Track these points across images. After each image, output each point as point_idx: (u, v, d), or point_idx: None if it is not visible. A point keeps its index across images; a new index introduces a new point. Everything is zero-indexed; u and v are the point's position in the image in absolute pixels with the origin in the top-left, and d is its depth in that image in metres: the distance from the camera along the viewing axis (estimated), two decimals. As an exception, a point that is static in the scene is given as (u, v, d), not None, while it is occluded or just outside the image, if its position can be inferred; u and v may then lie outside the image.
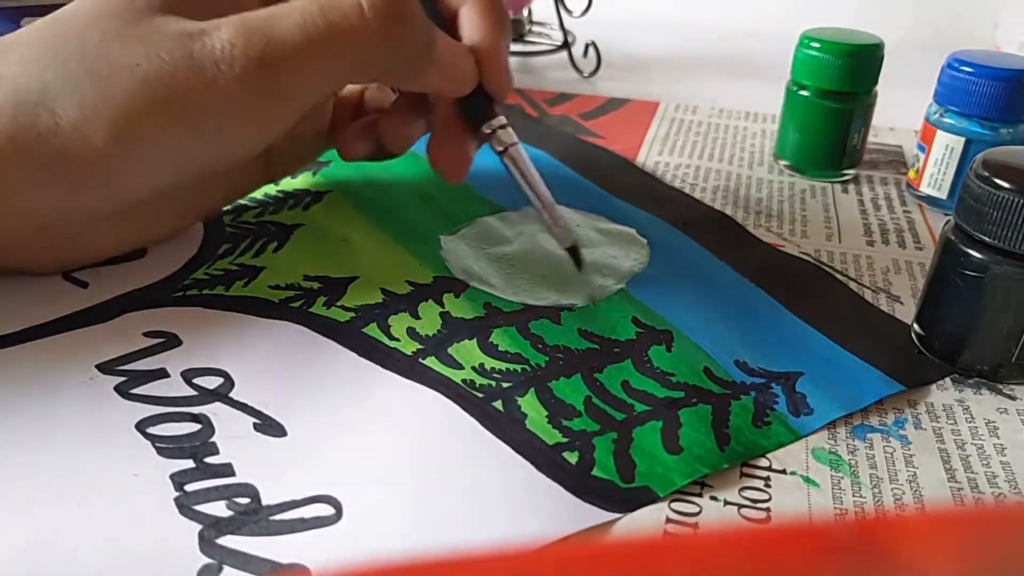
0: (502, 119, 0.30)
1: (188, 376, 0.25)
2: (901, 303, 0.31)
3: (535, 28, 0.59)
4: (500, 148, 0.30)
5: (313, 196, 0.36)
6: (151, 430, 0.23)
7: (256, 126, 0.26)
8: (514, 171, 0.29)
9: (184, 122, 0.25)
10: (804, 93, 0.39)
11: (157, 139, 0.25)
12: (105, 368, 0.25)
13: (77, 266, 0.29)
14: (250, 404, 0.24)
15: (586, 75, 0.55)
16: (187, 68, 0.24)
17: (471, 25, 0.29)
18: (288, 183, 0.37)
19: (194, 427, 0.23)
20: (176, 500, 0.20)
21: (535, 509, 0.21)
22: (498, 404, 0.24)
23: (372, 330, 0.27)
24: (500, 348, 0.26)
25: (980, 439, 0.24)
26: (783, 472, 0.23)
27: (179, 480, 0.21)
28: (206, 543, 0.19)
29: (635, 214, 0.36)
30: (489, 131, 0.29)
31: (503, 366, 0.26)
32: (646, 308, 0.29)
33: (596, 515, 0.21)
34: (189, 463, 0.22)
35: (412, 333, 0.27)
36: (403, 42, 0.26)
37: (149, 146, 0.25)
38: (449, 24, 0.30)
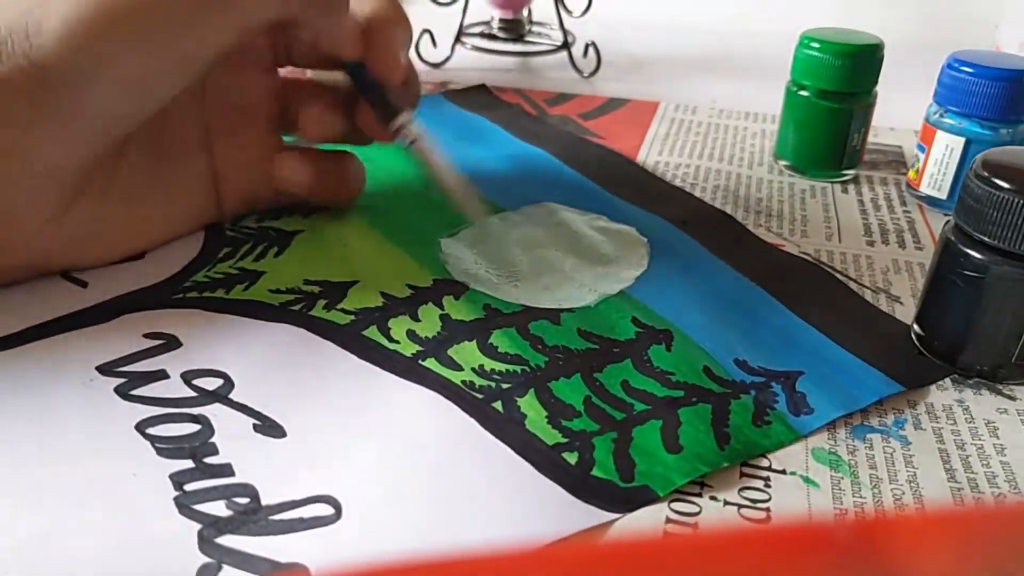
0: (407, 115, 0.31)
1: (188, 377, 0.25)
2: (901, 303, 0.31)
3: (535, 28, 0.59)
4: (407, 143, 0.31)
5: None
6: (151, 430, 0.23)
7: (201, 33, 0.27)
8: (422, 163, 0.32)
9: (131, 30, 0.25)
10: (804, 93, 0.39)
11: (104, 51, 0.25)
12: (105, 369, 0.25)
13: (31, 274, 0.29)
14: (250, 405, 0.24)
15: (586, 75, 0.55)
16: None
17: (360, 6, 0.30)
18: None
19: (194, 427, 0.23)
20: (176, 500, 0.20)
21: (535, 509, 0.21)
22: (498, 405, 0.24)
23: (372, 332, 0.27)
24: (500, 349, 0.26)
25: (980, 439, 0.24)
26: (783, 472, 0.23)
27: (179, 480, 0.21)
28: (205, 543, 0.19)
29: (635, 213, 0.36)
30: (395, 128, 0.31)
31: (503, 367, 0.26)
32: (646, 308, 0.29)
33: (596, 515, 0.21)
34: (189, 463, 0.22)
35: (412, 335, 0.27)
36: None
37: (97, 58, 0.25)
38: None
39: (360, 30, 0.30)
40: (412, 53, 0.53)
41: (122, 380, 0.24)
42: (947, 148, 0.37)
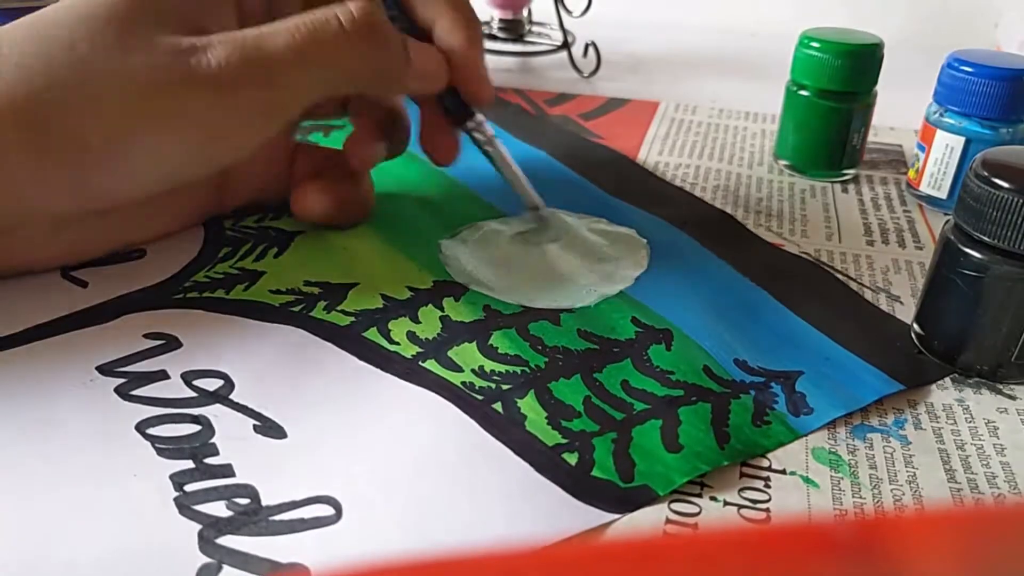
0: (480, 118, 0.33)
1: (188, 378, 0.25)
2: (901, 303, 0.31)
3: (535, 28, 0.59)
4: (482, 143, 0.33)
5: None
6: (151, 431, 0.23)
7: (247, 136, 0.28)
8: (498, 163, 0.33)
9: (178, 132, 0.26)
10: (804, 93, 0.39)
11: (150, 148, 0.26)
12: (105, 370, 0.25)
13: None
14: (250, 406, 0.24)
15: (586, 75, 0.55)
16: (185, 82, 0.25)
17: (447, 36, 0.31)
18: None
19: (194, 428, 0.23)
20: (176, 500, 0.21)
21: (535, 510, 0.21)
22: (498, 406, 0.24)
23: (372, 334, 0.27)
24: (500, 350, 0.26)
25: (980, 439, 0.24)
26: (783, 472, 0.23)
27: (179, 480, 0.21)
28: (206, 543, 0.19)
29: (635, 213, 0.36)
30: (470, 127, 0.33)
31: (503, 368, 0.26)
32: (646, 308, 0.29)
33: (596, 516, 0.21)
34: (189, 463, 0.22)
35: (412, 337, 0.27)
36: (381, 49, 0.28)
37: (141, 154, 0.26)
38: (425, 37, 0.31)
39: (443, 61, 0.31)
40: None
41: (122, 380, 0.24)
42: (947, 147, 0.37)
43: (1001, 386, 0.26)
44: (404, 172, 0.38)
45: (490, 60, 0.56)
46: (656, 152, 0.43)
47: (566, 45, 0.55)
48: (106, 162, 0.26)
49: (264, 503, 0.21)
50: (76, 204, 0.27)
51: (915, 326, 0.28)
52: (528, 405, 0.24)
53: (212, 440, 0.22)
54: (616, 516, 0.21)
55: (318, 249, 0.32)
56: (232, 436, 0.23)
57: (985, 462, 0.23)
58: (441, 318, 0.28)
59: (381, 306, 0.29)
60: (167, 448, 0.22)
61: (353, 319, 0.28)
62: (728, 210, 0.37)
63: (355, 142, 0.33)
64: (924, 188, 0.38)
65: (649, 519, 0.21)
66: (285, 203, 0.35)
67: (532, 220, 0.33)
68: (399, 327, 0.27)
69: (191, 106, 0.26)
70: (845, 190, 0.40)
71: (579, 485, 0.21)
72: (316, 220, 0.33)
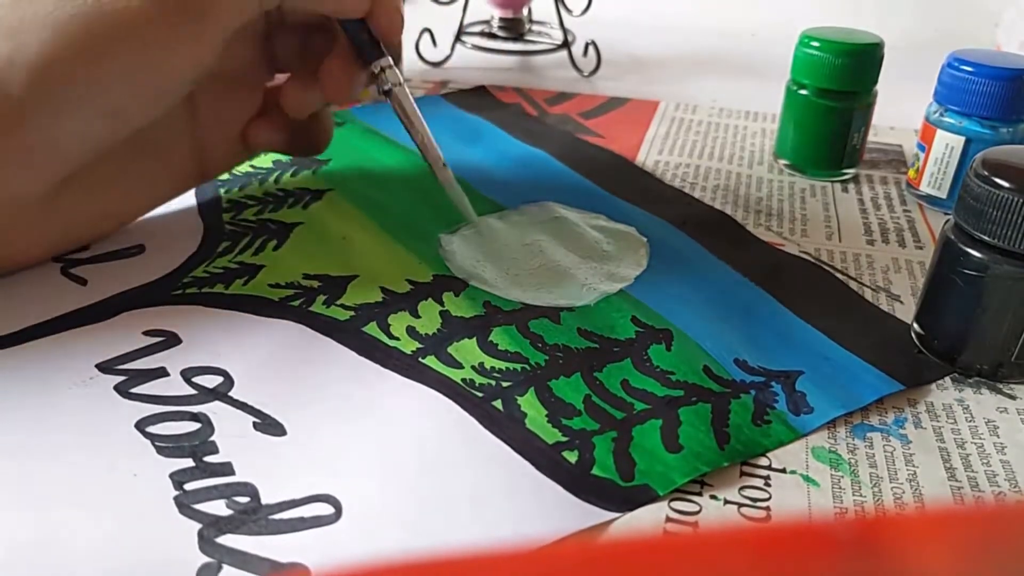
0: (388, 60, 0.32)
1: (188, 375, 0.25)
2: (901, 302, 0.31)
3: (535, 27, 0.59)
4: (386, 87, 0.32)
5: (313, 194, 0.36)
6: (151, 429, 0.23)
7: (180, 54, 0.26)
8: (398, 110, 0.32)
9: (105, 59, 0.25)
10: (804, 92, 0.39)
11: (78, 82, 0.25)
12: (105, 367, 0.25)
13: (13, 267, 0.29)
14: (249, 403, 0.24)
15: (586, 74, 0.55)
16: (100, 3, 0.24)
17: None
18: (288, 181, 0.37)
19: (194, 426, 0.23)
20: (176, 499, 0.20)
21: (535, 508, 0.21)
22: (498, 403, 0.24)
23: (372, 329, 0.27)
24: (500, 347, 0.26)
25: (980, 438, 0.24)
26: (783, 471, 0.23)
27: (179, 479, 0.21)
28: (206, 542, 0.19)
29: (635, 213, 0.35)
30: (377, 70, 0.32)
31: (503, 365, 0.26)
32: (646, 307, 0.29)
33: (596, 514, 0.21)
34: (189, 462, 0.22)
35: (412, 332, 0.27)
36: None
37: (71, 90, 0.25)
38: None
39: None
40: (412, 52, 0.54)
41: (122, 378, 0.24)
42: (947, 147, 0.37)
43: (1001, 386, 0.26)
44: (403, 166, 0.38)
45: (491, 59, 0.56)
46: (656, 151, 0.43)
47: (566, 44, 0.55)
48: (34, 109, 0.24)
49: (264, 502, 0.20)
50: (34, 175, 0.26)
51: (915, 326, 0.28)
52: (528, 403, 0.24)
53: (212, 438, 0.22)
54: (616, 515, 0.21)
55: (317, 241, 0.32)
56: (232, 434, 0.23)
57: (985, 461, 0.23)
58: (441, 313, 0.28)
59: (380, 300, 0.29)
60: (167, 446, 0.22)
61: (352, 313, 0.28)
62: (728, 210, 0.37)
63: (292, 88, 0.32)
64: (924, 188, 0.38)
65: (649, 517, 0.21)
66: (283, 196, 0.35)
67: (436, 176, 0.32)
68: (399, 322, 0.27)
69: (112, 30, 0.24)
70: (845, 190, 0.40)
71: (579, 483, 0.21)
72: (275, 151, 0.34)
